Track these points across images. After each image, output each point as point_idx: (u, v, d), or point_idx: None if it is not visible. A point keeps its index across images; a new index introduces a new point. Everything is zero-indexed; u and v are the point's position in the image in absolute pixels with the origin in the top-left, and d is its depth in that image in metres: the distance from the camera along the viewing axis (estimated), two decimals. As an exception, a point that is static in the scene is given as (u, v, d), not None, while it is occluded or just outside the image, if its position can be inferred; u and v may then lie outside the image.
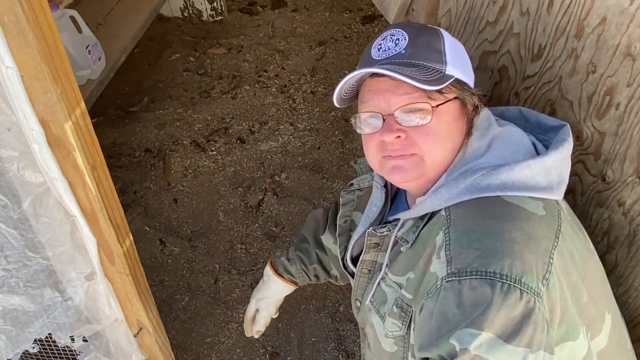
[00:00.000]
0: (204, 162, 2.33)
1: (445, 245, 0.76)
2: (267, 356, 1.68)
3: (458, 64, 0.84)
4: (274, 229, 2.06)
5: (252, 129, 2.48)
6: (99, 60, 1.98)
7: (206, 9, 3.15)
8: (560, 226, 0.77)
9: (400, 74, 0.77)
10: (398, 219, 0.89)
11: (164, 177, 2.28)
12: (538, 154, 0.85)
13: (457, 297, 0.72)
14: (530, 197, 0.79)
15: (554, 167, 0.80)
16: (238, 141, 2.42)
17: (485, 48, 1.07)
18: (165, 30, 3.10)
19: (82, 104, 0.87)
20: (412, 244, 0.85)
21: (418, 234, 0.84)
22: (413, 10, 1.17)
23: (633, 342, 0.91)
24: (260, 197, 2.17)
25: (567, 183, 0.83)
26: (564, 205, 0.84)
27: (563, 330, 0.74)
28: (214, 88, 2.71)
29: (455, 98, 0.83)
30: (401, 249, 0.86)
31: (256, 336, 1.28)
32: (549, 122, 0.90)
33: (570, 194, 1.02)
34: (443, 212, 0.81)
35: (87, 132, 0.89)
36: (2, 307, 1.09)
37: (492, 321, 0.68)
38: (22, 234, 1.00)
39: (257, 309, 1.25)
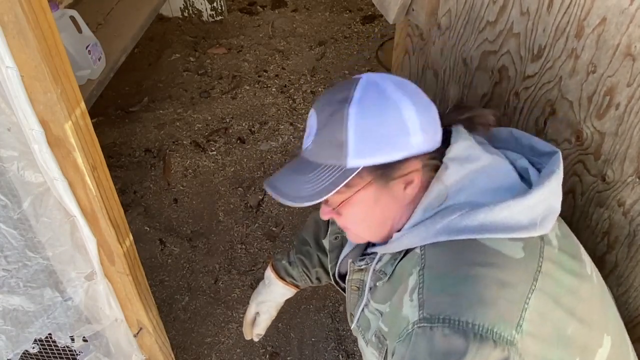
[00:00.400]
0: (204, 162, 2.33)
1: (419, 288, 0.75)
2: (267, 356, 1.68)
3: (368, 149, 0.77)
4: (274, 229, 2.06)
5: (252, 129, 2.48)
6: (99, 60, 1.98)
7: (206, 9, 3.15)
8: (540, 266, 0.75)
9: (277, 193, 0.82)
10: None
11: (164, 177, 2.28)
12: (529, 181, 0.83)
13: (429, 344, 0.71)
14: (510, 239, 0.76)
15: (540, 202, 0.78)
16: (238, 141, 2.42)
17: (485, 48, 1.07)
18: (165, 30, 3.10)
19: (82, 104, 0.87)
20: (389, 277, 0.85)
21: (395, 268, 0.84)
22: (413, 10, 1.17)
23: (633, 342, 0.91)
24: (260, 197, 2.17)
25: (558, 212, 0.81)
26: (553, 235, 0.81)
27: None
28: (214, 88, 2.71)
29: (368, 183, 0.80)
30: (377, 283, 0.87)
31: (256, 339, 1.27)
32: (541, 147, 0.87)
33: (570, 194, 1.02)
34: (418, 250, 0.80)
35: (87, 132, 0.89)
36: (2, 307, 1.09)
37: None
38: (22, 234, 1.00)
39: (257, 312, 1.24)
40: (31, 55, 0.76)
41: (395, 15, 1.17)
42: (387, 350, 0.82)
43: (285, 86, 2.71)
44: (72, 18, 1.91)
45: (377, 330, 0.85)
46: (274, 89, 2.69)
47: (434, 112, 0.82)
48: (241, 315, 1.79)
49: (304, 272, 1.18)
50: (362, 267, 0.91)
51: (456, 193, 0.80)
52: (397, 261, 0.84)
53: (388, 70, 2.34)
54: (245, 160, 2.33)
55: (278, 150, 2.37)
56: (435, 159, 0.82)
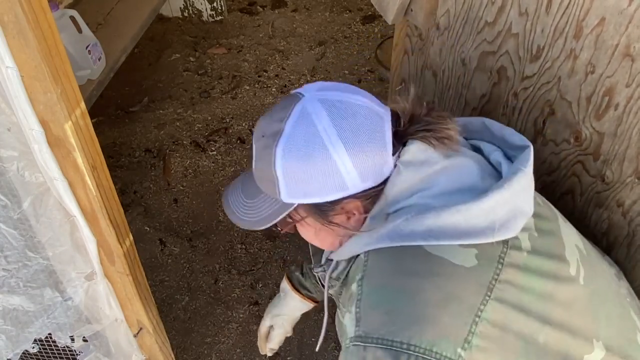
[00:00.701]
0: (204, 162, 2.33)
1: (357, 301, 0.70)
2: (267, 356, 1.68)
3: (297, 191, 0.74)
4: (274, 228, 2.06)
5: (252, 129, 2.48)
6: (99, 60, 1.98)
7: (206, 9, 3.15)
8: (498, 274, 0.69)
9: (228, 210, 0.84)
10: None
11: (164, 177, 2.28)
12: (501, 175, 0.77)
13: None
14: (461, 246, 0.70)
15: (499, 205, 0.70)
16: (238, 141, 2.42)
17: (484, 49, 1.07)
18: (165, 30, 3.10)
19: (82, 104, 0.87)
20: (342, 283, 0.85)
21: (347, 273, 0.83)
22: (412, 10, 1.17)
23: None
24: (260, 197, 2.17)
25: (527, 213, 0.74)
26: (525, 236, 0.74)
27: None
28: (214, 88, 2.71)
29: (307, 217, 0.79)
30: (332, 290, 0.88)
31: (269, 354, 1.22)
32: (514, 140, 0.81)
33: (570, 195, 1.02)
34: (362, 256, 0.75)
35: (87, 132, 0.90)
36: (2, 307, 1.09)
37: None
38: (22, 234, 1.00)
39: (272, 326, 1.20)
40: (31, 55, 0.76)
41: (394, 16, 1.17)
42: None
43: (285, 86, 2.71)
44: (72, 18, 1.91)
45: None
46: (274, 89, 2.69)
47: (378, 144, 0.73)
48: (241, 316, 1.79)
49: (317, 282, 1.14)
50: (318, 273, 0.90)
51: (409, 196, 0.74)
52: (349, 266, 0.81)
53: (387, 69, 2.34)
54: (245, 160, 2.33)
55: (278, 150, 2.37)
56: (381, 190, 0.75)
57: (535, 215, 0.78)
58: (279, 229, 0.84)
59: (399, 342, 0.64)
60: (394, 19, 1.19)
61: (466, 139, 0.85)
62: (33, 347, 1.16)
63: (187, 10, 3.17)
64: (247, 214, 0.81)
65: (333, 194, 0.73)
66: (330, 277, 0.86)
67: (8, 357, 1.15)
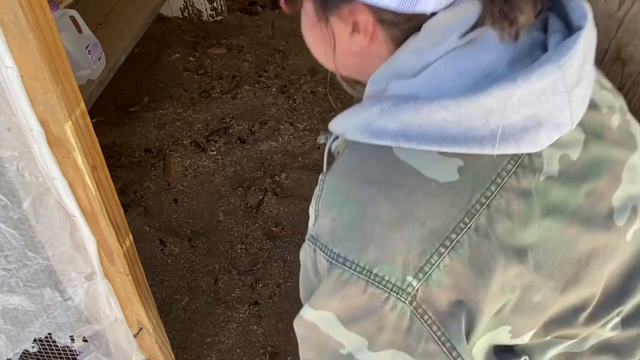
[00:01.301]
0: (204, 162, 2.33)
1: (317, 197, 0.60)
2: (267, 356, 1.68)
3: None
4: (274, 229, 2.06)
5: (252, 129, 2.48)
6: (99, 60, 1.98)
7: (206, 9, 3.15)
8: (488, 198, 0.52)
9: None
10: None
11: (164, 177, 2.28)
12: None
13: (313, 264, 0.59)
14: (442, 153, 0.53)
15: (512, 107, 0.50)
16: (238, 141, 2.42)
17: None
18: (165, 30, 3.10)
19: (82, 104, 0.87)
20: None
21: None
22: None
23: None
24: (260, 197, 2.17)
25: (566, 127, 0.53)
26: (554, 155, 0.55)
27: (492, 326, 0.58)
28: (214, 88, 2.71)
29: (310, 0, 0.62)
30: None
31: None
32: (574, 15, 0.56)
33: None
34: (343, 142, 0.64)
35: (87, 132, 0.90)
36: (2, 306, 1.09)
37: (327, 306, 0.56)
38: (22, 234, 1.00)
39: None
40: (31, 55, 0.76)
41: None
42: None
43: (285, 86, 2.71)
44: (72, 18, 1.91)
45: None
46: (274, 89, 2.69)
47: None
48: (241, 315, 1.79)
49: None
50: (320, 142, 0.73)
51: (402, 77, 0.56)
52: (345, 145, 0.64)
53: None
54: (245, 160, 2.33)
55: (278, 150, 2.37)
56: (407, 25, 0.55)
57: (593, 133, 0.58)
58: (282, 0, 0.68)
59: (336, 254, 0.55)
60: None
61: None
62: (33, 347, 1.16)
63: (187, 10, 3.17)
64: None
65: None
66: (329, 151, 0.70)
67: (8, 357, 1.15)
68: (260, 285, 1.87)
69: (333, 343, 0.57)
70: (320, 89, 2.67)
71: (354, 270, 0.53)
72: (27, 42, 0.75)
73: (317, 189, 0.61)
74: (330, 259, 0.55)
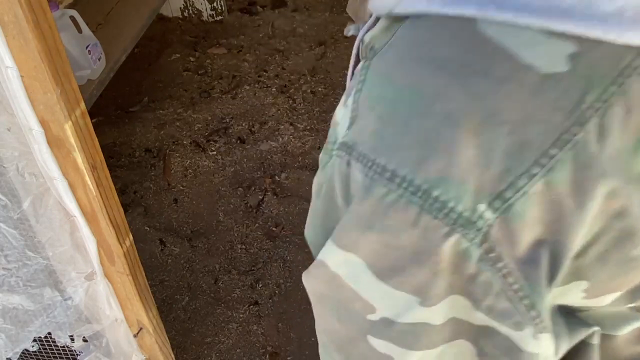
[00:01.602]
0: (204, 162, 2.33)
1: (357, 90, 0.43)
2: (267, 356, 1.68)
3: None
4: (274, 229, 2.06)
5: (252, 129, 2.48)
6: (99, 60, 1.98)
7: (206, 9, 3.15)
8: (606, 101, 0.35)
9: None
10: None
11: (164, 177, 2.28)
12: None
13: (343, 183, 0.42)
14: (547, 33, 0.35)
15: None
16: (238, 141, 2.42)
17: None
18: (165, 30, 3.11)
19: (82, 104, 0.87)
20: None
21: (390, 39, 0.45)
22: None
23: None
24: (260, 197, 2.17)
25: None
26: None
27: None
28: (214, 88, 2.71)
29: None
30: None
31: None
32: None
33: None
34: (395, 24, 0.44)
35: (87, 132, 0.90)
36: (2, 306, 1.09)
37: (358, 244, 0.40)
38: (22, 234, 1.00)
39: None
40: (31, 55, 0.76)
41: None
42: None
43: (285, 86, 2.71)
44: (72, 18, 1.91)
45: None
46: (274, 89, 2.69)
47: None
48: (241, 315, 1.79)
49: None
50: (349, 33, 0.55)
51: None
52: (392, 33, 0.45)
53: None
54: (245, 160, 2.33)
55: (278, 150, 2.37)
56: None
57: None
58: None
59: (381, 167, 0.38)
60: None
61: None
62: (33, 346, 1.16)
63: (187, 10, 3.17)
64: None
65: None
66: (361, 43, 0.49)
67: (7, 356, 1.15)
68: (260, 285, 1.87)
69: (358, 305, 0.41)
70: (320, 89, 2.67)
71: (405, 189, 0.37)
72: (27, 42, 0.75)
73: (353, 80, 0.45)
74: (371, 174, 0.39)
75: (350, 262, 0.41)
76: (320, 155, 0.46)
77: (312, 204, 0.49)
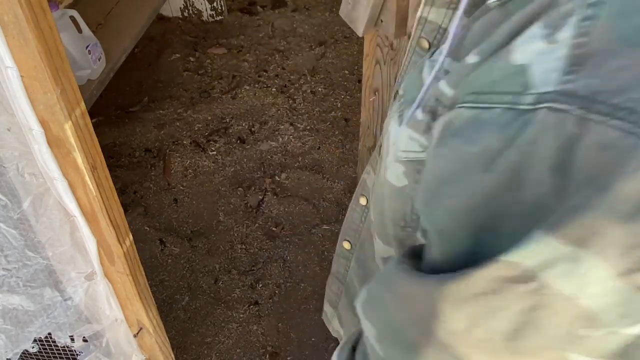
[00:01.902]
0: (204, 162, 2.33)
1: (584, 18, 0.28)
2: (267, 356, 1.68)
3: None
4: (274, 229, 2.06)
5: (252, 129, 2.48)
6: (99, 60, 1.98)
7: (206, 9, 3.14)
8: None
9: None
10: None
11: (164, 177, 2.28)
12: None
13: (561, 149, 0.28)
14: None
15: None
16: (238, 141, 2.42)
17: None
18: (165, 30, 3.10)
19: (82, 104, 0.87)
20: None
21: None
22: (382, 21, 1.15)
23: None
24: (260, 197, 2.17)
25: None
26: None
27: None
28: (214, 88, 2.71)
29: None
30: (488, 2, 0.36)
31: None
32: None
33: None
34: None
35: (87, 132, 0.90)
36: (2, 306, 1.09)
37: (605, 237, 0.27)
38: (22, 234, 1.00)
39: None
40: (31, 55, 0.76)
41: (364, 28, 1.16)
42: (436, 130, 0.39)
43: (285, 86, 2.71)
44: (72, 18, 1.91)
45: (430, 99, 0.42)
46: (274, 89, 2.69)
47: None
48: (241, 315, 1.79)
49: None
50: None
51: None
52: None
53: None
54: (245, 160, 2.33)
55: (278, 150, 2.37)
56: None
57: None
58: None
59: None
60: (364, 31, 1.17)
61: None
62: (33, 347, 1.16)
63: (187, 10, 3.17)
64: None
65: None
66: None
67: (7, 357, 1.15)
68: (260, 285, 1.87)
69: (573, 312, 0.29)
70: (320, 89, 2.67)
71: None
72: (27, 42, 0.75)
73: (564, 5, 0.30)
74: (624, 121, 0.26)
75: (578, 260, 0.28)
76: (478, 114, 0.32)
77: (456, 182, 0.33)
